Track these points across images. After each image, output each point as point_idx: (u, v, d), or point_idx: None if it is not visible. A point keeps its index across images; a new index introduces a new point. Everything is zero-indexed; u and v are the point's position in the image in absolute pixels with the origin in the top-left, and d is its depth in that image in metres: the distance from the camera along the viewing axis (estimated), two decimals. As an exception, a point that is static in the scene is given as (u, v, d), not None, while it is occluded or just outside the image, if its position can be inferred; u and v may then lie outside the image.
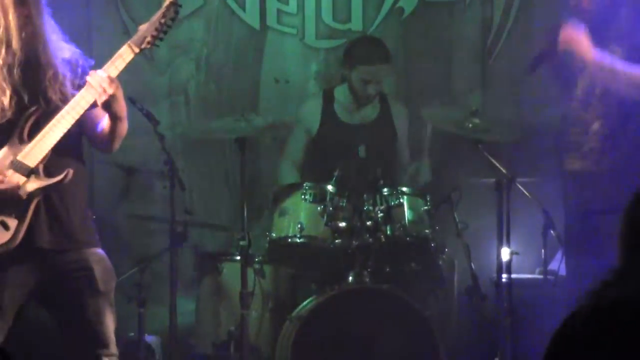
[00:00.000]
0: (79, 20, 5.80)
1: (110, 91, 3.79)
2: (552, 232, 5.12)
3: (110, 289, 3.98)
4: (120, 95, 3.86)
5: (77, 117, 3.86)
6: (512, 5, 6.04)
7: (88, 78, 3.84)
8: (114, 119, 3.93)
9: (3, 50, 3.84)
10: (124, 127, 3.97)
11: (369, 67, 5.43)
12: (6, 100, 3.85)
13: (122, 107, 3.90)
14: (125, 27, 5.76)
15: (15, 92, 3.87)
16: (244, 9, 6.11)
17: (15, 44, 3.85)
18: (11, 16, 3.84)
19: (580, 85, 4.53)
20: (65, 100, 3.85)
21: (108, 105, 3.85)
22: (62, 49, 3.92)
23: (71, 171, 3.84)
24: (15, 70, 3.86)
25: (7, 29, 3.84)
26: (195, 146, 6.07)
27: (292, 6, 6.12)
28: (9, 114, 3.84)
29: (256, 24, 6.13)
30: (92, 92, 3.83)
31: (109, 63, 3.84)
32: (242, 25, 6.12)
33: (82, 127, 3.97)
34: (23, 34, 3.87)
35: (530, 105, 5.65)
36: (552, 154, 4.96)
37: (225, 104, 5.98)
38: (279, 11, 6.13)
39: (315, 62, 6.11)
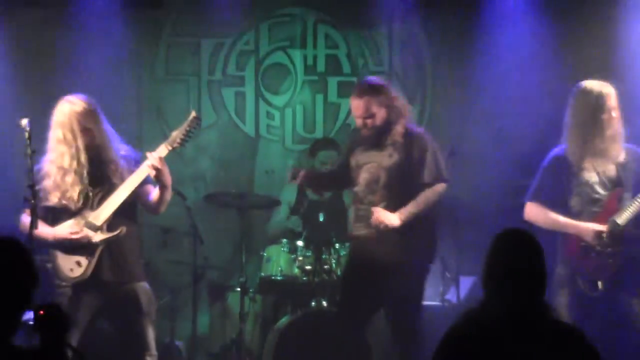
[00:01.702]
0: (131, 131, 5.96)
1: (158, 166, 4.09)
2: (447, 274, 5.88)
3: (152, 310, 4.36)
4: (164, 170, 4.10)
5: (133, 188, 4.13)
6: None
7: (146, 161, 4.12)
8: (162, 186, 4.17)
9: (75, 163, 4.12)
10: (168, 193, 4.21)
11: (326, 152, 5.98)
12: (76, 195, 4.17)
13: (167, 177, 4.13)
14: (165, 135, 4.98)
15: (83, 189, 4.17)
16: (244, 123, 6.74)
17: (83, 159, 4.13)
18: (79, 141, 4.12)
19: (363, 175, 4.67)
20: (123, 181, 4.22)
21: (157, 176, 4.12)
22: (120, 149, 4.29)
23: (124, 228, 4.17)
24: (84, 175, 4.15)
25: (77, 149, 4.13)
26: (210, 214, 6.35)
27: (277, 121, 6.75)
28: (79, 204, 4.18)
29: (252, 133, 6.73)
30: (147, 169, 4.12)
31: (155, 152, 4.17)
32: (243, 133, 6.72)
33: (138, 198, 4.24)
34: (90, 151, 4.13)
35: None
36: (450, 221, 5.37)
37: (231, 187, 6.17)
38: (268, 125, 6.78)
39: (291, 159, 6.67)
